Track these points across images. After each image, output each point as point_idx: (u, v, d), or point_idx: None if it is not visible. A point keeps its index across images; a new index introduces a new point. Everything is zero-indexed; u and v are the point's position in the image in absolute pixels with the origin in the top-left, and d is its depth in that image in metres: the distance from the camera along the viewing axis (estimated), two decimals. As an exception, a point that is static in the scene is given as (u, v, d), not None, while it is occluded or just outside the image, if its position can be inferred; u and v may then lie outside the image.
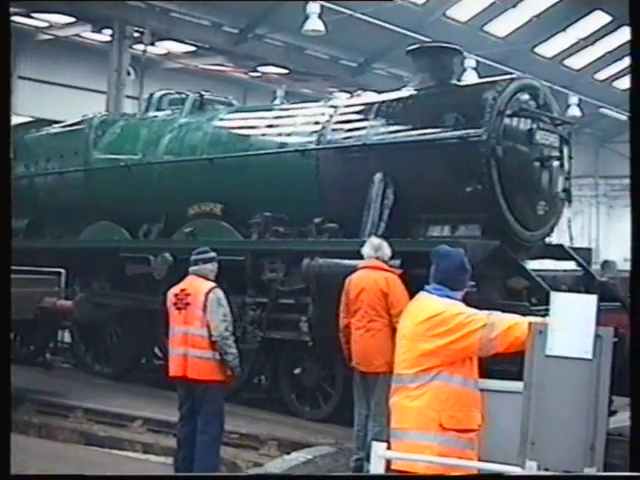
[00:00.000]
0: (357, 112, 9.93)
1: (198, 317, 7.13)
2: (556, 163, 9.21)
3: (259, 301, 9.81)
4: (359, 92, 10.94)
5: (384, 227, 8.87)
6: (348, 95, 11.24)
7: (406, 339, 4.60)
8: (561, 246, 9.99)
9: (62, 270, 10.67)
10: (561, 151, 9.28)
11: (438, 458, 4.12)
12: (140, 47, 21.44)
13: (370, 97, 10.31)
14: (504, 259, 8.42)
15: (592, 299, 4.10)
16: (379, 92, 10.44)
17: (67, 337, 12.88)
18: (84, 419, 9.45)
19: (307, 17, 19.75)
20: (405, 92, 9.71)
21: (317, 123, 10.05)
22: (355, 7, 21.00)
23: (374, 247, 7.79)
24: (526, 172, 8.92)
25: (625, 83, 28.32)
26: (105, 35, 21.97)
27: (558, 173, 9.27)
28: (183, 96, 12.51)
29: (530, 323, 4.17)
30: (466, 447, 4.39)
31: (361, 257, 7.85)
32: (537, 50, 27.42)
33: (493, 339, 4.34)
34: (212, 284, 7.31)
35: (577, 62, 29.28)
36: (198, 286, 7.26)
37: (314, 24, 19.74)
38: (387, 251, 7.81)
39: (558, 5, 24.99)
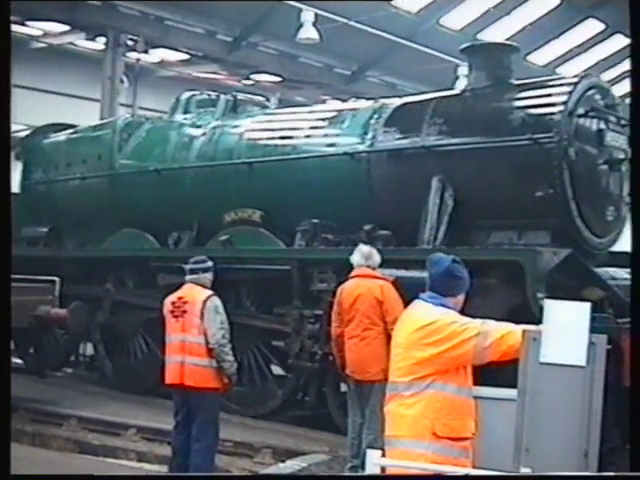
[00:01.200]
0: (411, 112, 9.33)
1: (195, 325, 7.14)
2: (623, 166, 8.56)
3: (316, 313, 9.18)
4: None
5: (443, 234, 8.42)
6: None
7: (401, 347, 4.60)
8: (625, 253, 9.22)
9: (56, 278, 10.66)
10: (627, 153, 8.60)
11: (432, 465, 4.12)
12: (134, 55, 21.49)
13: (424, 96, 9.70)
14: (577, 268, 7.96)
15: (585, 306, 4.11)
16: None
17: (89, 349, 12.80)
18: (78, 427, 9.43)
19: (301, 25, 19.81)
20: (462, 91, 9.24)
21: (367, 124, 9.47)
22: (349, 15, 21.06)
23: (364, 255, 7.72)
24: (596, 176, 8.41)
25: (619, 90, 28.40)
26: (99, 43, 21.98)
27: (624, 177, 8.67)
28: (212, 97, 12.06)
29: (524, 331, 4.18)
30: (460, 455, 4.40)
31: (424, 266, 7.59)
32: (530, 58, 27.47)
33: (487, 347, 4.35)
34: (209, 292, 7.33)
35: (570, 70, 29.36)
36: (196, 294, 7.28)
37: (308, 32, 19.79)
38: (377, 259, 7.74)
39: (551, 13, 25.07)
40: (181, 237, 10.95)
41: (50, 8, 19.91)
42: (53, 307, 10.20)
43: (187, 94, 12.31)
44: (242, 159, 10.37)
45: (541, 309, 6.56)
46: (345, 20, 21.04)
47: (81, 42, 22.99)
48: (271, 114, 11.27)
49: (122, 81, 21.05)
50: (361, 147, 9.31)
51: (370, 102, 10.04)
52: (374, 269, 7.71)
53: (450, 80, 22.50)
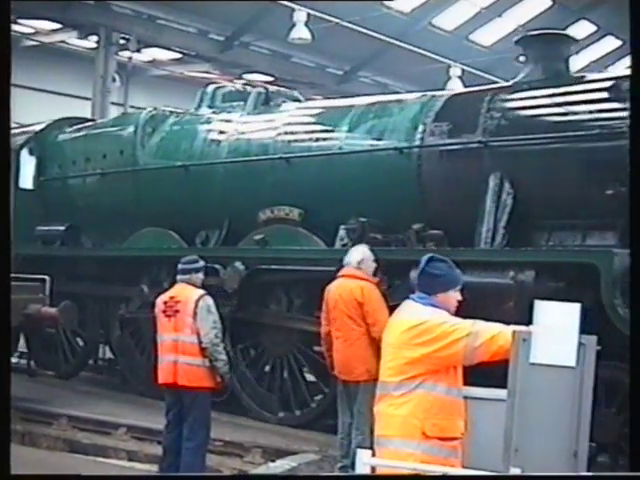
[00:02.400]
0: (464, 105, 8.84)
1: (188, 324, 7.15)
2: None
3: None
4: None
5: (502, 234, 7.89)
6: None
7: (391, 347, 4.61)
8: None
9: (47, 277, 10.62)
10: None
11: (422, 465, 4.13)
12: (126, 54, 21.47)
13: (476, 88, 9.34)
14: None
15: (575, 307, 4.12)
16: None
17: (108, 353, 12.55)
18: (68, 426, 9.40)
19: (293, 25, 19.86)
20: (517, 84, 8.69)
21: (416, 117, 8.89)
22: (341, 15, 21.09)
23: (357, 259, 7.61)
24: None
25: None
26: (91, 42, 21.99)
27: None
28: (239, 90, 11.60)
29: (514, 331, 4.19)
30: (449, 455, 4.40)
31: (481, 269, 7.32)
32: (522, 59, 27.53)
33: (477, 348, 4.35)
34: (202, 291, 7.34)
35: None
36: (188, 293, 7.28)
37: (300, 32, 19.83)
38: (370, 264, 7.64)
39: (543, 14, 25.13)
40: (209, 236, 10.42)
41: (42, 6, 19.89)
42: (44, 306, 10.18)
43: (212, 87, 11.78)
44: (279, 154, 9.80)
45: (616, 314, 6.35)
46: (337, 20, 21.08)
47: (73, 40, 22.98)
48: (309, 107, 10.73)
49: (114, 80, 21.05)
50: (411, 142, 8.74)
51: (417, 94, 9.56)
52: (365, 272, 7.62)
53: (442, 81, 22.58)
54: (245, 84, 11.76)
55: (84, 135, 12.45)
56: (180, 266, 7.50)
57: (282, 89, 11.42)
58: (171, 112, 11.76)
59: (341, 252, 8.42)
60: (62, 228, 12.13)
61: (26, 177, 12.55)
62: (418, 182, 8.64)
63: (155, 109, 11.75)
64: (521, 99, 8.47)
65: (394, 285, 8.12)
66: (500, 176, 8.03)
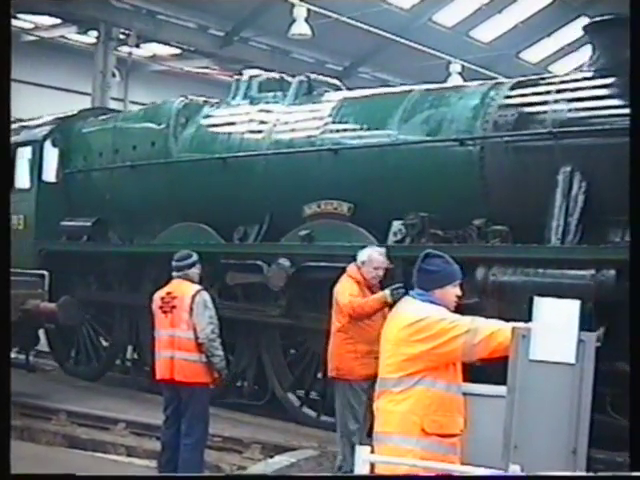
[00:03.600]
0: (530, 93, 8.27)
1: (185, 320, 7.14)
2: None
3: None
4: None
5: (574, 231, 7.38)
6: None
7: (390, 344, 4.60)
8: None
9: (45, 272, 10.62)
10: None
11: (421, 462, 4.13)
12: (126, 49, 21.46)
13: (541, 76, 8.85)
14: None
15: (575, 304, 4.12)
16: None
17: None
18: (67, 422, 9.41)
19: (293, 21, 19.81)
20: (585, 71, 8.10)
21: (478, 105, 8.38)
22: (341, 11, 21.07)
23: (361, 256, 7.39)
24: None
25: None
26: (91, 37, 21.98)
27: None
28: (275, 77, 11.04)
29: (513, 328, 4.19)
30: (448, 452, 4.40)
31: (549, 266, 7.05)
32: (522, 55, 27.55)
33: (476, 344, 4.35)
34: (198, 287, 7.33)
35: (562, 68, 29.43)
36: (184, 289, 7.27)
37: (300, 28, 19.79)
38: (371, 269, 7.31)
39: (543, 11, 25.15)
40: (248, 232, 9.89)
41: (42, 1, 19.91)
42: (43, 301, 10.17)
43: (247, 76, 11.24)
44: (326, 145, 9.31)
45: None
46: (337, 16, 21.04)
47: (73, 36, 22.98)
48: (357, 96, 10.04)
49: (114, 75, 21.03)
50: (473, 133, 8.25)
51: (476, 82, 9.13)
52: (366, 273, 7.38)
53: (442, 77, 22.55)
54: (281, 73, 11.22)
55: (112, 126, 11.92)
56: (174, 262, 7.48)
57: (323, 77, 10.85)
58: (205, 102, 11.28)
59: (395, 249, 8.13)
60: (89, 223, 11.67)
61: (49, 170, 12.27)
62: (480, 175, 8.14)
63: (188, 99, 11.24)
64: (591, 88, 7.91)
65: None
66: (571, 170, 7.54)
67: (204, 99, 11.34)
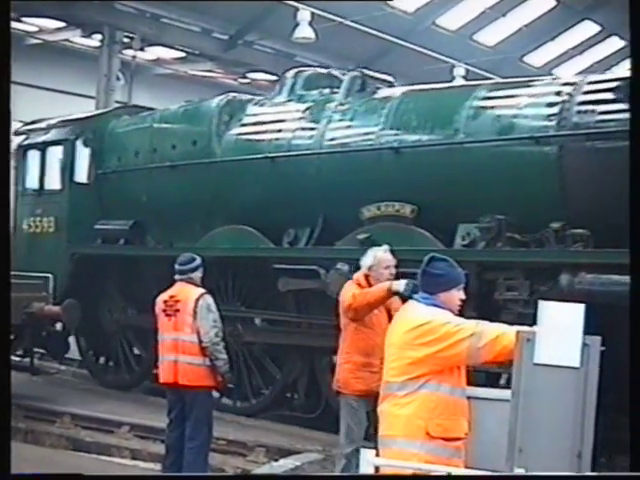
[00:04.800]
0: (609, 90, 7.69)
1: (188, 323, 7.14)
2: None
3: None
4: None
5: None
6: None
7: (394, 347, 4.60)
8: None
9: (49, 275, 10.62)
10: None
11: (426, 465, 4.13)
12: (130, 52, 21.47)
13: (621, 73, 8.36)
14: None
15: (580, 307, 4.11)
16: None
17: None
18: (71, 424, 9.42)
19: (297, 24, 19.84)
20: None
21: (553, 104, 7.88)
22: (345, 15, 21.09)
23: (366, 261, 6.78)
24: None
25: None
26: (95, 40, 22.00)
27: None
28: (322, 72, 10.63)
29: (518, 332, 4.19)
30: (453, 456, 4.40)
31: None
32: (526, 59, 27.54)
33: (481, 348, 4.35)
34: (202, 290, 7.32)
35: (566, 72, 29.44)
36: (188, 292, 7.27)
37: (304, 31, 19.82)
38: (382, 270, 6.69)
39: (547, 15, 25.14)
40: (299, 235, 9.35)
41: (46, 5, 19.94)
42: (47, 304, 10.18)
43: (293, 71, 10.66)
44: (386, 144, 8.79)
45: None
46: (341, 20, 21.07)
47: (77, 39, 23.00)
48: (419, 91, 9.44)
49: (118, 78, 21.05)
50: (548, 130, 7.76)
51: (548, 77, 8.78)
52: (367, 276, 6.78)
53: (446, 80, 22.54)
54: (327, 68, 10.82)
55: (149, 125, 11.35)
56: (177, 266, 7.46)
57: (375, 73, 10.27)
58: (249, 99, 10.83)
59: (463, 253, 7.76)
60: (127, 225, 11.15)
61: (81, 170, 11.85)
62: (559, 175, 7.67)
63: (230, 96, 10.78)
64: None
65: (538, 291, 7.25)
66: None
67: (248, 96, 10.99)
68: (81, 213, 11.65)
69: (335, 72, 10.56)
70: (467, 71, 24.19)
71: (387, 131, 8.89)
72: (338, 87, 9.97)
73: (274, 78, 25.42)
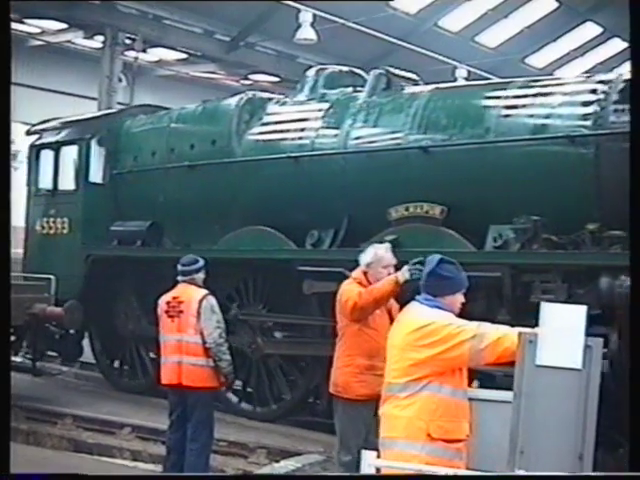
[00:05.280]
0: None
1: (192, 325, 7.14)
2: None
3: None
4: None
5: None
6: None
7: (396, 349, 4.61)
8: None
9: (52, 276, 10.62)
10: None
11: (427, 467, 4.13)
12: (132, 54, 21.48)
13: None
14: None
15: (582, 309, 4.11)
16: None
17: None
18: (73, 426, 9.42)
19: (299, 26, 19.84)
20: None
21: (589, 102, 7.68)
22: (347, 16, 21.09)
23: (365, 258, 6.45)
24: None
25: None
26: (97, 42, 22.00)
27: None
28: (343, 70, 10.43)
29: (520, 333, 4.19)
30: (454, 457, 4.40)
31: None
32: (528, 61, 27.52)
33: (483, 350, 4.35)
34: (205, 291, 7.33)
35: (568, 73, 29.42)
36: (191, 293, 7.27)
37: (306, 33, 19.82)
38: (381, 269, 6.33)
39: (549, 16, 25.12)
40: (322, 236, 9.08)
41: (48, 6, 19.93)
42: (49, 305, 10.19)
43: (314, 70, 10.45)
44: (414, 143, 8.58)
45: None
46: (343, 21, 21.07)
47: (79, 40, 23.01)
48: (447, 88, 9.31)
49: (120, 80, 21.05)
50: (584, 129, 7.56)
51: (583, 76, 8.58)
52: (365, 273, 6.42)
53: (450, 82, 22.53)
54: (346, 65, 10.61)
55: (166, 124, 11.09)
56: (180, 267, 7.46)
57: (399, 71, 9.96)
58: (269, 98, 10.61)
59: (499, 255, 7.60)
60: (144, 226, 10.83)
61: (95, 170, 11.62)
62: (595, 175, 7.46)
63: (250, 94, 10.56)
64: None
65: (576, 294, 7.07)
66: None
67: (268, 95, 10.76)
68: (96, 214, 11.44)
69: (357, 70, 10.39)
70: (469, 73, 24.18)
71: (415, 130, 8.66)
72: (361, 85, 9.80)
73: (276, 79, 25.50)
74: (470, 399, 4.56)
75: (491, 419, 4.50)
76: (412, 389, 4.44)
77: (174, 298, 7.33)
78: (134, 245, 10.86)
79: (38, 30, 22.81)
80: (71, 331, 11.43)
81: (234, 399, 10.01)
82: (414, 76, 9.98)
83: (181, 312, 7.22)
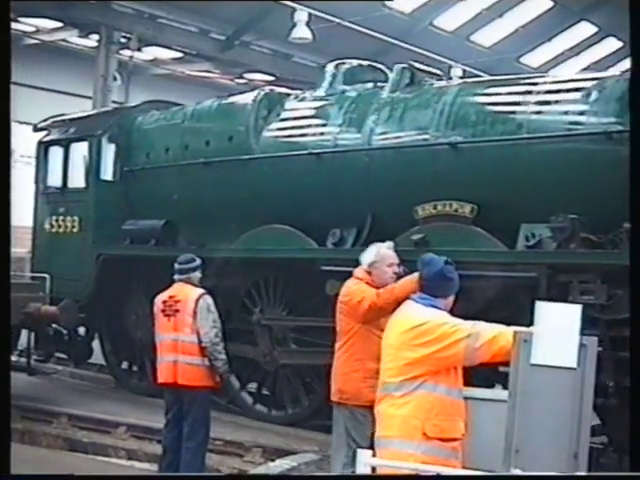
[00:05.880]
0: None
1: (188, 324, 7.14)
2: None
3: None
4: None
5: None
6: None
7: (391, 348, 4.62)
8: None
9: (46, 275, 10.60)
10: None
11: (423, 466, 4.14)
12: (127, 53, 21.46)
13: None
14: None
15: (577, 308, 4.12)
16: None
17: None
18: (68, 425, 9.41)
19: (294, 25, 19.85)
20: None
21: (625, 97, 7.25)
22: (343, 15, 21.09)
23: (367, 258, 6.23)
24: None
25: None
26: (92, 40, 21.97)
27: None
28: (362, 64, 10.14)
29: (515, 332, 4.20)
30: (449, 456, 4.41)
31: None
32: (523, 60, 27.54)
33: (477, 349, 4.36)
34: (201, 290, 7.32)
35: (562, 72, 29.43)
36: (187, 293, 7.27)
37: (301, 32, 19.84)
38: (386, 268, 6.11)
39: (544, 16, 25.14)
40: (345, 235, 8.80)
41: (43, 5, 19.90)
42: (44, 304, 10.18)
43: (333, 64, 10.15)
44: (443, 139, 8.28)
45: None
46: (339, 20, 21.07)
47: (74, 39, 22.97)
48: (477, 83, 9.09)
49: (115, 79, 21.03)
50: (623, 125, 7.20)
51: (618, 72, 8.22)
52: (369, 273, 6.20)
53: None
54: (369, 63, 10.25)
55: (181, 120, 10.77)
56: (177, 265, 7.47)
57: (424, 66, 9.67)
58: (286, 93, 10.27)
59: (533, 254, 7.35)
60: (158, 225, 10.47)
61: (106, 167, 11.29)
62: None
63: (267, 89, 10.33)
64: None
65: (616, 295, 6.86)
66: None
67: (286, 90, 10.46)
68: (107, 212, 11.14)
69: (377, 65, 10.12)
70: (464, 72, 24.18)
71: (443, 126, 8.37)
72: (381, 80, 9.57)
73: (271, 78, 25.48)
74: (466, 398, 4.57)
75: (487, 418, 4.51)
76: (407, 388, 4.46)
77: (170, 297, 7.33)
78: (148, 244, 10.51)
79: (33, 29, 22.76)
80: (81, 332, 11.32)
81: (249, 400, 9.88)
82: (438, 71, 9.74)
83: (177, 311, 7.22)
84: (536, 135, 7.75)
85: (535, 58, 27.83)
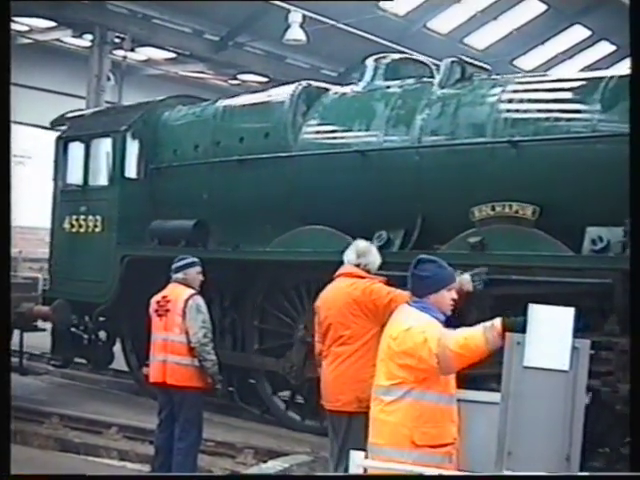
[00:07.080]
0: None
1: (177, 324, 7.12)
2: None
3: None
4: None
5: None
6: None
7: (383, 352, 4.60)
8: None
9: (39, 275, 10.59)
10: None
11: (416, 468, 4.13)
12: (120, 53, 21.46)
13: None
14: None
15: (569, 311, 4.13)
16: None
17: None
18: (59, 425, 9.37)
19: (288, 26, 19.87)
20: None
21: None
22: (337, 17, 21.12)
23: (358, 252, 6.28)
24: None
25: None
26: (85, 40, 21.99)
27: None
28: (406, 58, 9.93)
29: (485, 331, 4.17)
30: (442, 461, 4.34)
31: None
32: (516, 63, 27.61)
33: (450, 358, 4.27)
34: (192, 291, 7.30)
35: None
36: (179, 293, 7.26)
37: (295, 33, 19.86)
38: (373, 259, 6.26)
39: (538, 19, 25.22)
40: (392, 237, 8.28)
41: (37, 4, 19.84)
42: (37, 304, 10.16)
43: (372, 58, 9.86)
44: (502, 137, 7.83)
45: None
46: (333, 22, 21.09)
47: (68, 39, 22.99)
48: (537, 79, 8.65)
49: (108, 79, 21.03)
50: None
51: None
52: (367, 271, 6.23)
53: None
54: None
55: (212, 116, 10.26)
56: (174, 265, 7.47)
57: (473, 61, 9.26)
58: (325, 88, 9.76)
59: (611, 260, 6.85)
60: (189, 225, 9.90)
61: (131, 164, 10.78)
62: None
63: (305, 83, 9.69)
64: None
65: None
66: None
67: (325, 85, 9.96)
68: (131, 211, 10.57)
69: (420, 58, 9.75)
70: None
71: (501, 123, 7.94)
72: (425, 75, 9.34)
73: (264, 79, 25.49)
74: (458, 400, 4.55)
75: (479, 420, 4.52)
76: (395, 394, 4.41)
77: (163, 297, 7.33)
78: (178, 245, 9.80)
79: (26, 28, 22.74)
80: (102, 337, 11.09)
81: (281, 406, 9.54)
82: (487, 66, 9.36)
83: (168, 311, 7.21)
84: (603, 134, 7.35)
85: (528, 61, 27.90)
